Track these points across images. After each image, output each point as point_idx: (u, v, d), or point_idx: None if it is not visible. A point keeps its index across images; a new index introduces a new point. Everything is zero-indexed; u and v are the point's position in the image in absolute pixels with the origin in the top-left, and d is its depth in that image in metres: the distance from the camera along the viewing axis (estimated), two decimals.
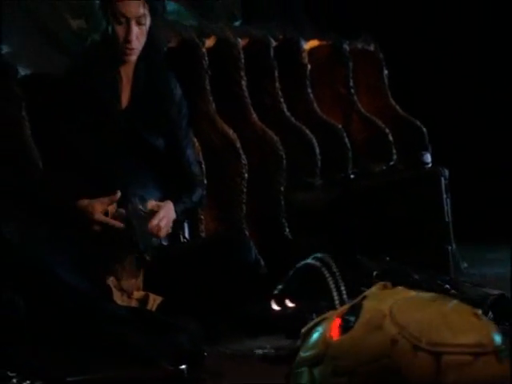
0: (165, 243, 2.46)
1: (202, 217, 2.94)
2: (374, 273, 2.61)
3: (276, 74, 3.73)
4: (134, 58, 2.39)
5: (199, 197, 2.54)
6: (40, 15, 3.31)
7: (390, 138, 3.90)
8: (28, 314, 2.01)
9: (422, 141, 3.93)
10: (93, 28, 2.59)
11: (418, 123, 4.05)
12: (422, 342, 1.34)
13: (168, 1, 3.84)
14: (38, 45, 3.20)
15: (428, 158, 3.25)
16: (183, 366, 1.99)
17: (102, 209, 2.29)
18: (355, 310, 1.43)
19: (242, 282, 2.39)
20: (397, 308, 1.40)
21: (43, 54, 3.13)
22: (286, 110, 3.67)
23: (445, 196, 3.08)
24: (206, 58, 3.45)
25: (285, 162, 3.36)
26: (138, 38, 2.34)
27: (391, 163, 3.43)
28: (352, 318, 1.42)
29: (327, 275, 2.33)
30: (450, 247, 3.21)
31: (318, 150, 3.52)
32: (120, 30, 2.32)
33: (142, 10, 2.32)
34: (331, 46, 4.15)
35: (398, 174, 3.22)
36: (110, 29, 2.34)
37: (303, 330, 1.53)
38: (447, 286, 2.52)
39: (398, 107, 4.17)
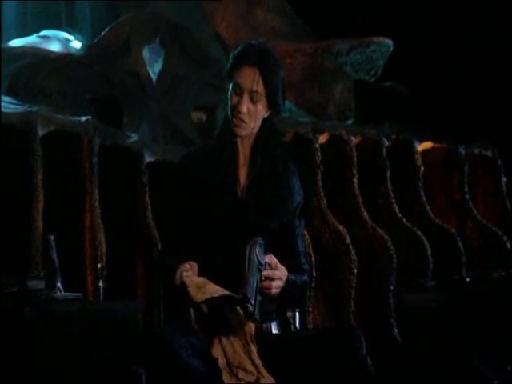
0: (275, 331, 2.72)
1: (310, 309, 3.20)
2: (495, 382, 2.76)
3: (388, 174, 4.03)
4: (241, 131, 2.71)
5: (306, 281, 2.83)
6: (166, 109, 3.77)
7: (508, 245, 4.10)
8: None
9: None
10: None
11: None
12: None
13: None
14: (162, 135, 3.64)
15: None
16: None
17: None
18: None
19: (351, 377, 2.58)
20: None
21: (166, 144, 3.56)
22: (397, 210, 3.94)
23: None
24: (319, 154, 3.79)
25: (395, 261, 3.61)
26: (249, 111, 2.68)
27: (511, 270, 3.58)
28: None
29: None
30: None
31: (429, 252, 3.76)
32: (234, 100, 2.68)
33: (257, 87, 2.67)
34: (446, 149, 4.44)
35: None
36: (229, 103, 2.70)
37: None
38: None
39: None
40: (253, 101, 2.66)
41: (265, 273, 2.56)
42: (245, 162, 2.77)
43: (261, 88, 2.66)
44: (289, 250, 2.80)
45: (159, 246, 2.98)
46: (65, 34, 4.24)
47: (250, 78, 2.65)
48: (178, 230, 2.73)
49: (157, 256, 2.83)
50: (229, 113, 2.69)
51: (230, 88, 2.69)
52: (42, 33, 4.16)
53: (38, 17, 4.34)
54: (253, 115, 2.68)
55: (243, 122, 2.67)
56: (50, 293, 2.40)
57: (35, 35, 4.10)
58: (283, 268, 2.63)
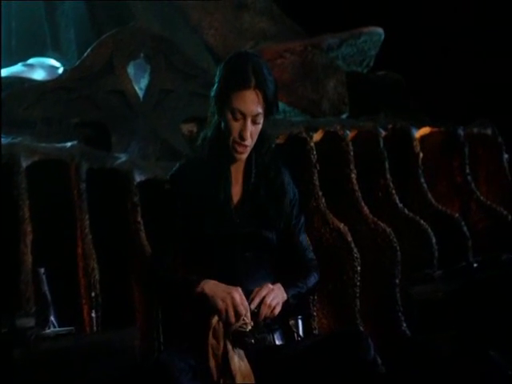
0: (279, 342, 2.57)
1: (315, 313, 3.04)
2: (511, 372, 2.58)
3: (386, 164, 3.86)
4: (244, 156, 2.58)
5: (314, 282, 2.68)
6: (155, 124, 3.63)
7: None
8: None
9: None
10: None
11: None
12: None
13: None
14: (152, 152, 3.50)
15: None
16: None
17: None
18: None
19: (361, 381, 2.43)
20: None
21: (157, 160, 3.42)
22: (398, 201, 3.77)
23: None
24: (315, 153, 3.63)
25: (399, 253, 3.44)
26: (251, 135, 2.54)
27: None
28: None
29: None
30: None
31: (434, 240, 3.59)
32: (235, 126, 2.52)
33: (260, 109, 2.53)
34: (445, 133, 4.25)
35: None
36: (223, 124, 2.55)
37: None
38: None
39: None
40: (255, 123, 2.52)
41: (252, 305, 2.43)
42: (237, 177, 2.64)
43: (262, 108, 2.51)
44: (292, 250, 2.67)
45: (152, 256, 2.79)
46: (51, 61, 4.12)
47: (253, 103, 2.50)
48: (173, 242, 2.58)
49: (151, 266, 2.65)
50: (229, 139, 2.53)
51: (228, 113, 2.52)
52: (29, 61, 4.05)
53: (22, 43, 4.23)
54: (254, 136, 2.55)
55: (247, 146, 2.54)
56: (40, 330, 2.26)
57: (20, 64, 3.98)
58: (267, 284, 2.49)
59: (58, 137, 3.27)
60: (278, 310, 2.47)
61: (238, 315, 2.39)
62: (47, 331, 2.28)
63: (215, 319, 2.41)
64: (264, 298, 2.44)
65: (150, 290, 2.62)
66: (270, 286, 2.48)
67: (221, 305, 2.39)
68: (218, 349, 2.36)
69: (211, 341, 2.38)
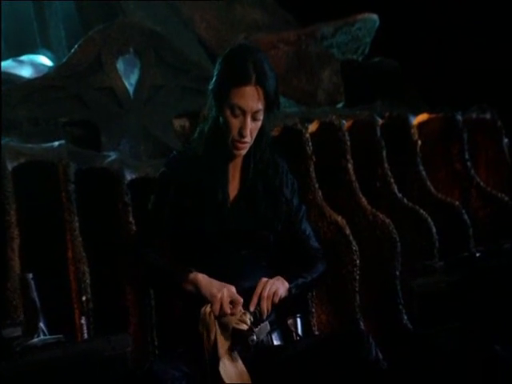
0: (277, 342, 2.47)
1: (313, 310, 2.93)
2: None
3: (384, 153, 3.74)
4: (244, 152, 2.48)
5: (320, 272, 2.58)
6: (146, 121, 3.52)
7: None
8: None
9: None
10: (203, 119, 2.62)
11: None
12: None
13: None
14: (143, 150, 3.40)
15: None
16: None
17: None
18: None
19: (362, 381, 2.33)
20: None
21: (149, 158, 3.32)
22: (396, 190, 3.66)
23: None
24: (310, 144, 3.51)
25: (399, 245, 3.34)
26: (251, 132, 2.45)
27: None
28: None
29: None
30: None
31: (434, 230, 3.48)
32: (235, 123, 2.42)
33: (260, 106, 2.42)
34: (443, 119, 4.12)
35: None
36: (221, 119, 2.45)
37: None
38: None
39: None
40: (255, 119, 2.43)
41: (251, 307, 2.35)
42: (234, 173, 2.54)
43: (262, 104, 2.42)
44: (295, 240, 2.59)
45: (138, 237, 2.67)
46: (42, 59, 4.01)
47: (253, 100, 2.40)
48: (161, 226, 2.51)
49: (136, 250, 2.54)
50: (228, 136, 2.44)
51: (226, 109, 2.42)
52: (20, 57, 3.96)
53: (11, 44, 4.13)
54: (254, 132, 2.46)
55: (246, 143, 2.45)
56: (27, 340, 2.15)
57: (11, 59, 3.88)
58: (261, 279, 2.41)
59: (46, 137, 3.16)
60: (280, 292, 2.39)
61: (233, 306, 2.30)
62: (35, 340, 2.18)
63: (207, 309, 2.31)
64: (261, 293, 2.36)
65: (138, 272, 2.52)
66: (265, 279, 2.40)
67: (216, 292, 2.32)
68: (209, 344, 2.26)
69: (204, 336, 2.28)
